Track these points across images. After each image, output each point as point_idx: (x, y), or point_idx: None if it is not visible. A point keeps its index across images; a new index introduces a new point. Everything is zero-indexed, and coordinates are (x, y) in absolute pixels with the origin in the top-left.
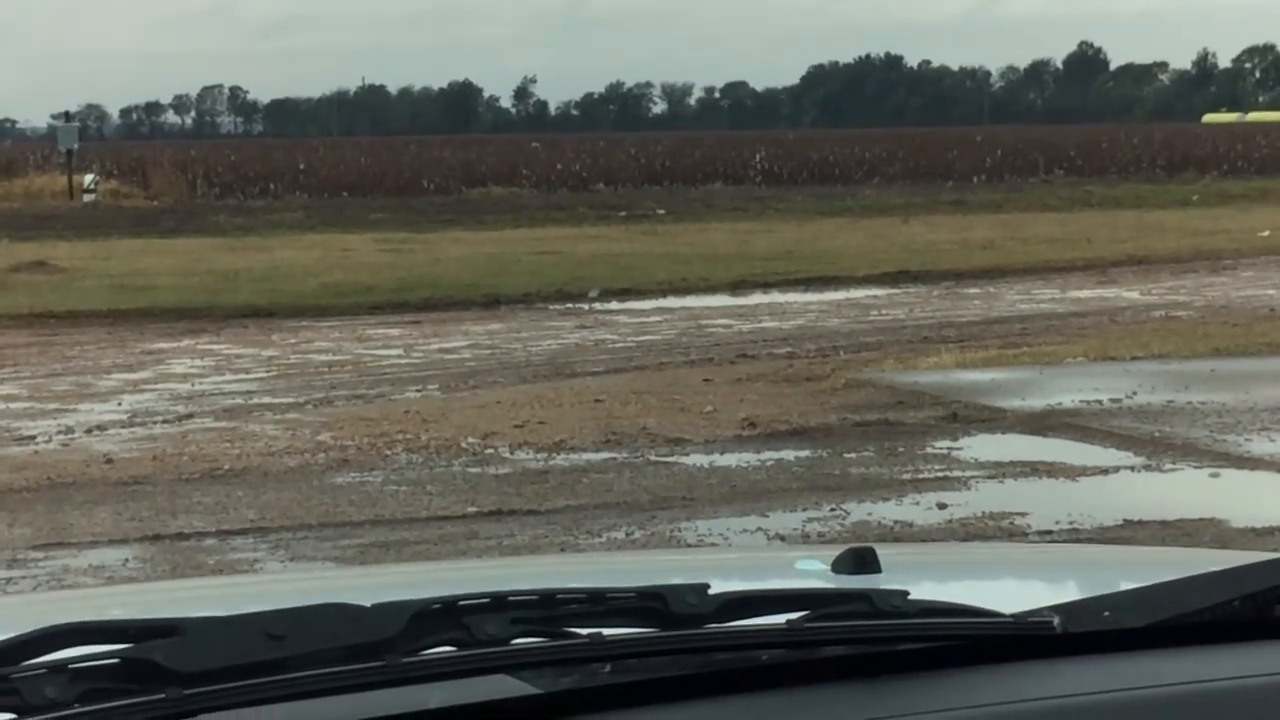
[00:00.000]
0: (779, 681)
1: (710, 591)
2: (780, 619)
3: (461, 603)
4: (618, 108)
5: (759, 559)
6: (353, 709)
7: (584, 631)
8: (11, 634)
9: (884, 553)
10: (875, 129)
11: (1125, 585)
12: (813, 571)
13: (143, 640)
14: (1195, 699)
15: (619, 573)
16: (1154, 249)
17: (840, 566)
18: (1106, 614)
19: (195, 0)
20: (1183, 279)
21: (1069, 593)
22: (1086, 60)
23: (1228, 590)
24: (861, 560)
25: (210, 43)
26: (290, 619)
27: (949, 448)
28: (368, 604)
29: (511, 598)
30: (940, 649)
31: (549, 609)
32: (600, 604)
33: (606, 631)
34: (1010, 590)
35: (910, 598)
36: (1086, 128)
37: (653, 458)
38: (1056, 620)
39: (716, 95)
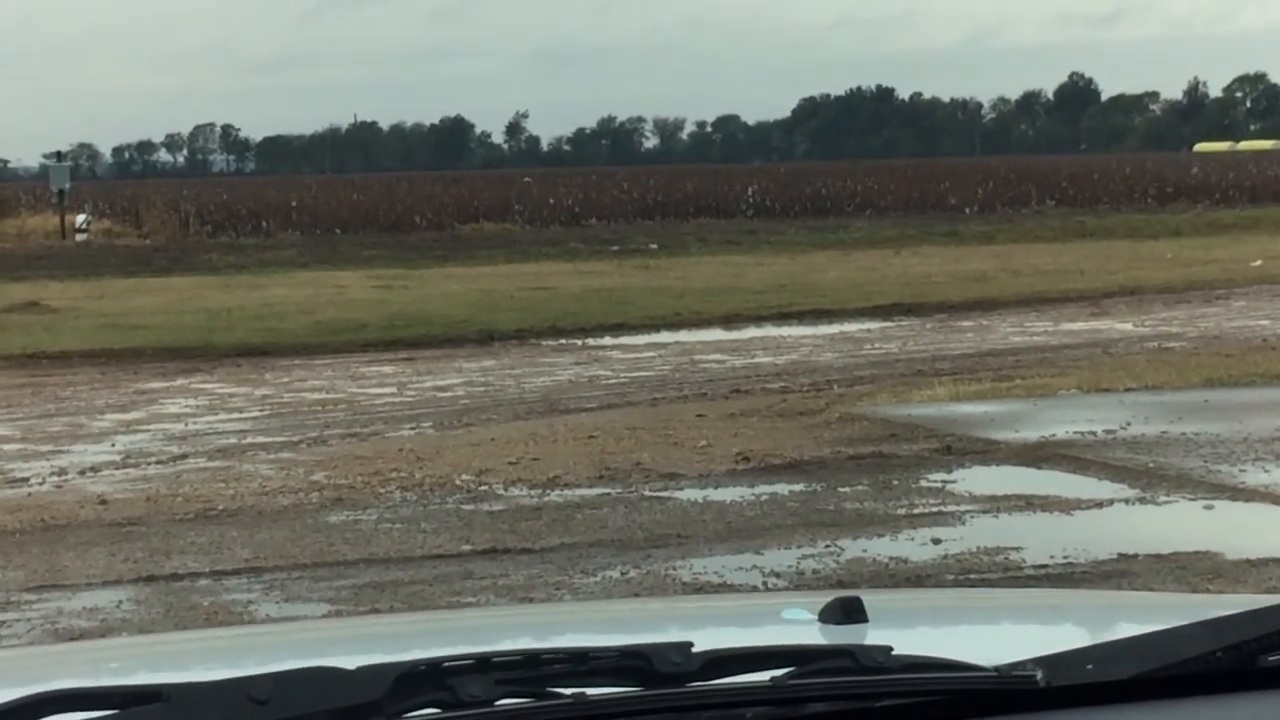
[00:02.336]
0: None
1: (694, 648)
2: (764, 676)
3: (446, 664)
4: (610, 142)
5: (746, 607)
6: None
7: (568, 691)
8: (1, 694)
9: (871, 600)
10: (867, 161)
11: (1110, 633)
12: (799, 621)
13: (129, 706)
14: None
15: (605, 623)
16: (1146, 280)
17: (827, 616)
18: (1089, 666)
19: (192, 39)
20: (1175, 309)
21: (1054, 641)
22: (1077, 91)
23: (1211, 641)
24: (848, 610)
25: (203, 81)
26: (274, 683)
27: (943, 481)
28: (353, 662)
29: (495, 658)
30: (924, 704)
31: (533, 669)
32: (584, 663)
33: (590, 691)
34: (996, 639)
35: (895, 651)
36: (1078, 158)
37: (647, 493)
38: (1039, 673)
39: (708, 129)
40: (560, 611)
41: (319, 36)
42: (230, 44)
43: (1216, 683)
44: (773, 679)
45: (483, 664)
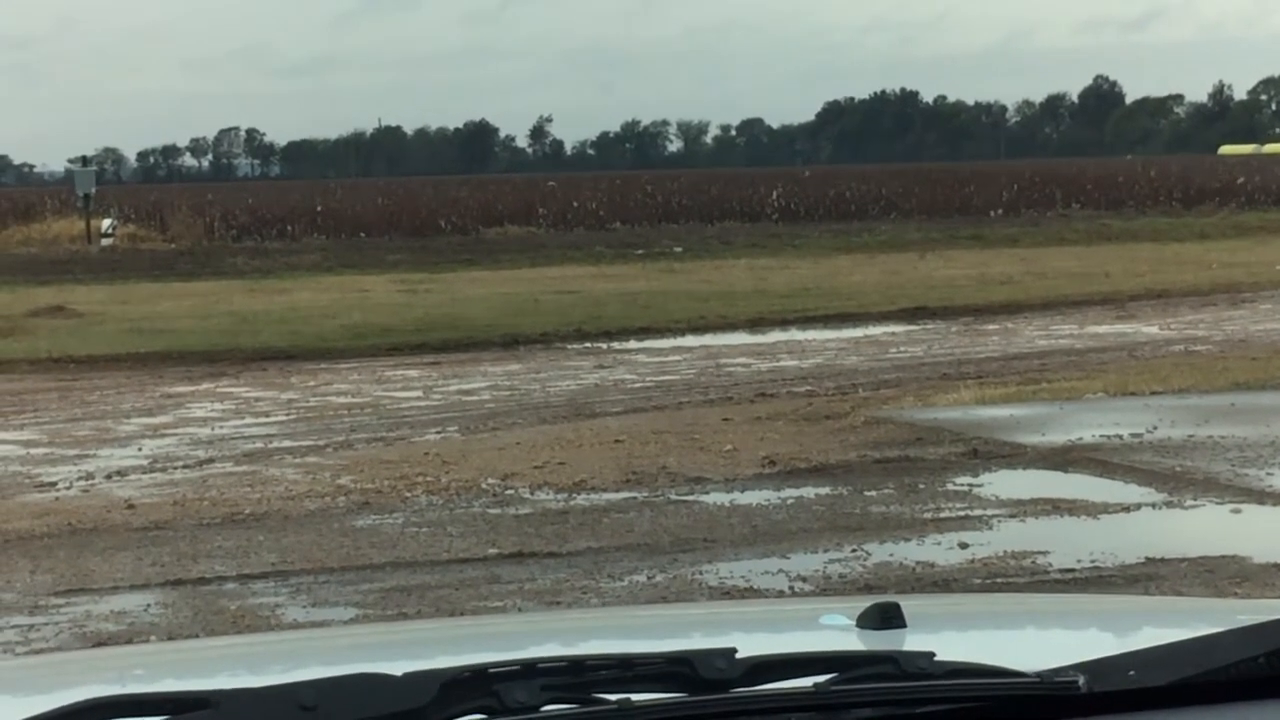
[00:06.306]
0: None
1: (737, 655)
2: (808, 682)
3: (491, 670)
4: (634, 146)
5: (782, 612)
6: None
7: (613, 697)
8: (43, 697)
9: (908, 605)
10: (891, 164)
11: (1149, 638)
12: (838, 627)
13: (177, 713)
14: None
15: (643, 629)
16: (1172, 282)
17: (865, 622)
18: (1131, 673)
19: (222, 44)
20: (1202, 312)
21: (1093, 646)
22: (1102, 94)
23: (1253, 646)
24: (887, 615)
25: (230, 86)
26: (321, 689)
27: (969, 484)
28: (389, 668)
29: (541, 664)
30: (967, 710)
31: (578, 675)
32: (629, 669)
33: (635, 697)
34: (1035, 644)
35: (936, 657)
36: (1103, 161)
37: (673, 497)
38: (1081, 679)
39: (732, 132)
40: (596, 617)
41: (350, 41)
42: (260, 49)
43: (1258, 689)
44: (816, 685)
45: (528, 670)
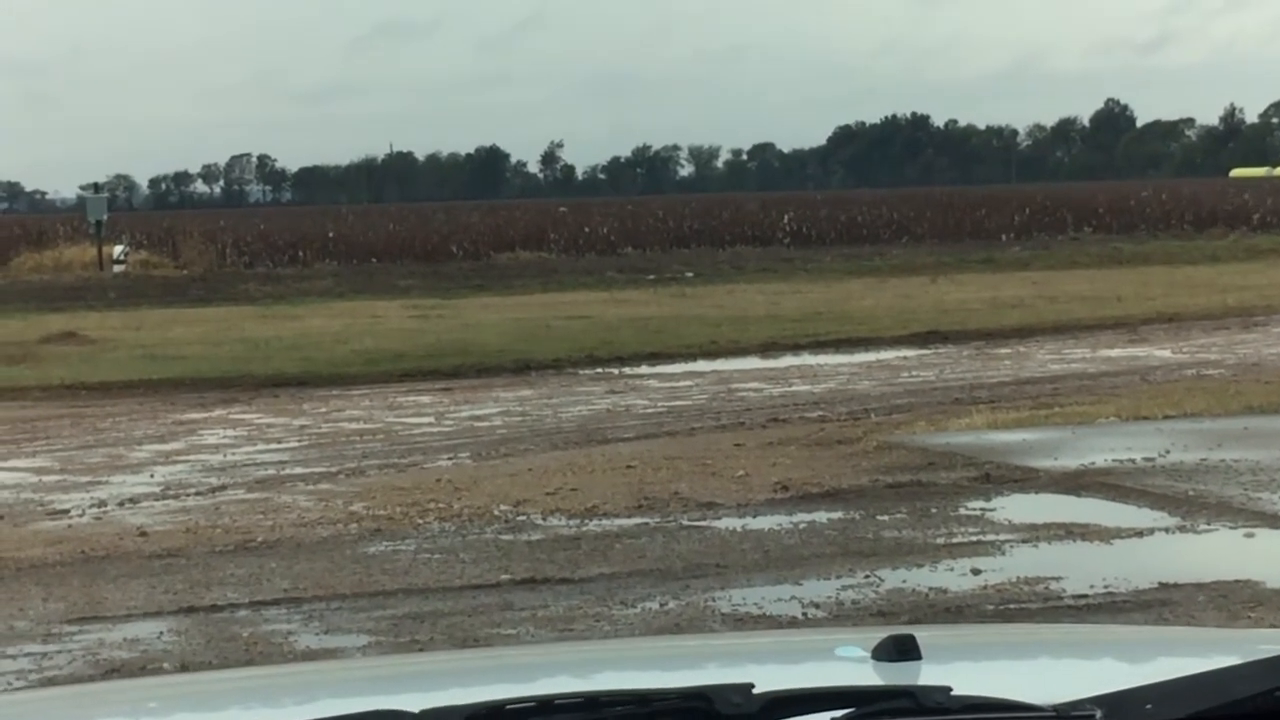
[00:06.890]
0: None
1: (754, 689)
2: (825, 717)
3: (509, 707)
4: (645, 171)
5: (796, 643)
6: None
7: None
8: None
9: (923, 636)
10: (903, 189)
11: (1166, 669)
12: (853, 659)
13: None
14: None
15: (658, 661)
16: (1184, 306)
17: (881, 654)
18: (1148, 706)
19: (234, 72)
20: (1214, 336)
21: (1110, 678)
22: (1113, 117)
23: (1269, 679)
24: (902, 647)
25: (243, 113)
26: None
27: (982, 509)
28: (412, 703)
29: (558, 700)
30: None
31: (594, 712)
32: (645, 705)
33: None
34: (1051, 676)
35: (953, 692)
36: (1114, 184)
37: (685, 523)
38: (1098, 713)
39: (744, 157)
40: (610, 649)
41: (362, 67)
42: (272, 75)
43: None
44: None
45: (544, 706)
